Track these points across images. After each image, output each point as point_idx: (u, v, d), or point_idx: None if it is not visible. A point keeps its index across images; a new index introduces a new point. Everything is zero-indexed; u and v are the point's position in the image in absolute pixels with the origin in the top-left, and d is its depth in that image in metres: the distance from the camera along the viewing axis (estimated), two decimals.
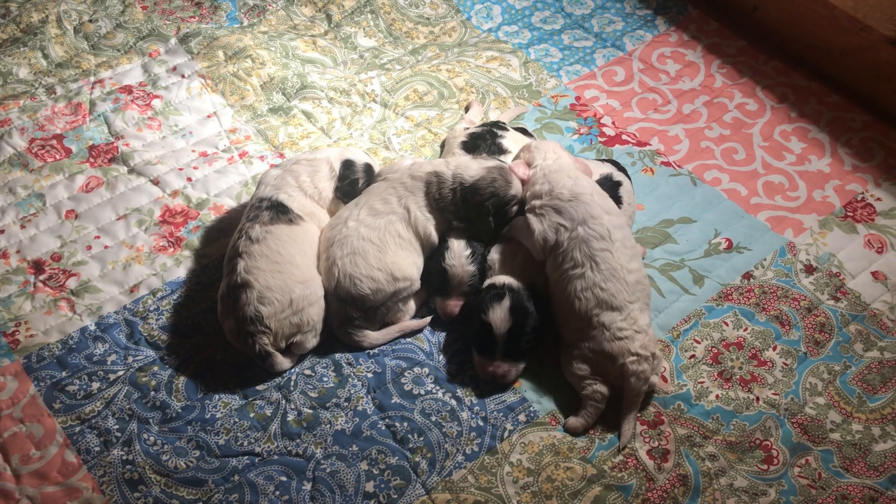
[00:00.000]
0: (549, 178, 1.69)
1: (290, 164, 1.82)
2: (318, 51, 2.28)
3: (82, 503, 1.48)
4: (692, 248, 1.87)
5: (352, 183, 1.80)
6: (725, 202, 1.96)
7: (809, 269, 1.83)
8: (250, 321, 1.60)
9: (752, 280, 1.81)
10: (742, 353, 1.69)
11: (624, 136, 2.10)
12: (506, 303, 1.61)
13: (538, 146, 1.77)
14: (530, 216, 1.67)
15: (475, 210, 1.70)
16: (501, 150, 1.87)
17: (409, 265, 1.70)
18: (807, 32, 2.25)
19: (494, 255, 1.75)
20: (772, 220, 1.92)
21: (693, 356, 1.69)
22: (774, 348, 1.70)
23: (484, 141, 1.88)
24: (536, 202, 1.68)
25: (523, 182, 1.73)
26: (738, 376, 1.66)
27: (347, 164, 1.81)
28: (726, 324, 1.74)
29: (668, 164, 2.03)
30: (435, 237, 1.73)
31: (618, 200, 1.80)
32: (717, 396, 1.63)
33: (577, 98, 2.19)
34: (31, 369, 1.65)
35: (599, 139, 2.09)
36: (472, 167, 1.71)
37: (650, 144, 2.08)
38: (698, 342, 1.71)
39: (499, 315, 1.59)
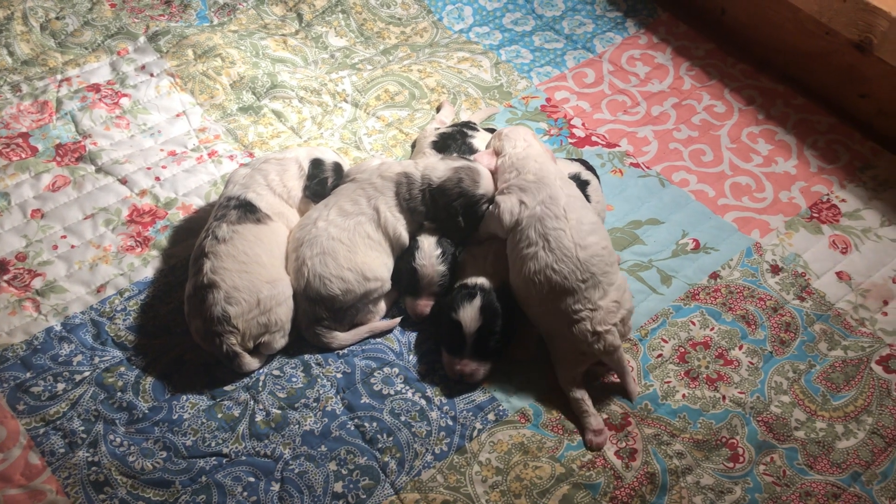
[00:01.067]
0: (516, 166, 1.71)
1: (259, 164, 1.81)
2: (288, 50, 2.27)
3: None
4: (660, 248, 1.88)
5: (321, 182, 1.80)
6: (693, 203, 1.97)
7: (775, 270, 1.85)
8: (217, 321, 1.59)
9: (718, 280, 1.83)
10: (709, 353, 1.71)
11: (594, 138, 2.11)
12: (476, 302, 1.61)
13: (509, 134, 1.78)
14: (498, 196, 1.70)
15: (444, 210, 1.70)
16: (472, 150, 1.87)
17: (380, 266, 1.70)
18: (773, 36, 2.28)
19: (465, 255, 1.75)
20: (739, 220, 1.94)
21: (660, 355, 1.70)
22: (741, 347, 1.72)
23: (454, 141, 1.88)
24: (504, 185, 1.70)
25: (492, 172, 1.74)
26: (704, 375, 1.68)
27: (316, 164, 1.81)
28: (693, 323, 1.76)
29: (636, 165, 2.05)
30: (405, 237, 1.73)
31: (586, 199, 1.81)
32: (683, 395, 1.65)
33: (548, 99, 2.20)
34: None
35: (570, 140, 2.10)
36: (440, 168, 1.71)
37: (619, 146, 2.09)
38: (665, 342, 1.72)
39: (469, 314, 1.60)
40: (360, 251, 1.68)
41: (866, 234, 1.92)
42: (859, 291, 1.82)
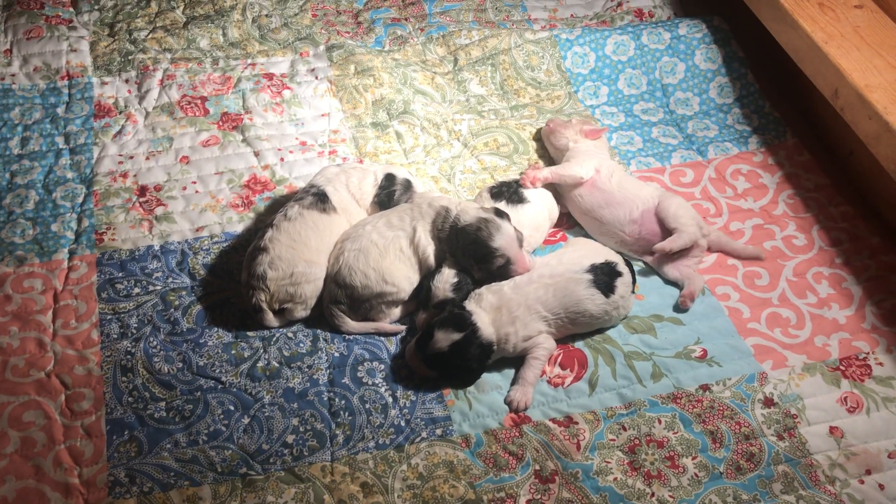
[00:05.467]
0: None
1: (347, 167, 2.15)
2: (433, 86, 2.59)
3: (85, 369, 1.88)
4: (667, 346, 1.96)
5: (389, 194, 2.10)
6: (723, 318, 2.02)
7: (768, 402, 1.86)
8: (257, 278, 1.93)
9: (707, 392, 1.88)
10: (660, 452, 1.78)
11: None
12: (454, 336, 1.82)
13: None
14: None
15: (460, 250, 1.93)
16: (521, 200, 2.10)
17: (401, 277, 1.96)
18: (891, 188, 2.23)
19: (490, 296, 1.94)
20: (758, 347, 1.96)
21: (613, 440, 1.80)
22: (694, 458, 1.77)
23: (508, 189, 2.11)
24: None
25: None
26: (645, 469, 1.75)
27: (389, 178, 2.12)
28: (660, 421, 1.83)
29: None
30: (432, 260, 1.97)
31: (612, 289, 1.94)
32: (615, 479, 1.73)
33: None
34: (101, 263, 2.09)
35: None
36: (470, 213, 1.94)
37: None
38: (625, 429, 1.81)
39: (442, 339, 1.81)
40: (389, 259, 1.95)
41: (886, 403, 1.87)
42: (846, 452, 1.78)
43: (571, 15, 2.85)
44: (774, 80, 2.64)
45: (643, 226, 2.09)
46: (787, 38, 2.35)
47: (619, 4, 2.84)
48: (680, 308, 2.02)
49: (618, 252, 2.07)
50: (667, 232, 2.06)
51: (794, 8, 2.31)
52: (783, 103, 2.58)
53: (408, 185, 2.12)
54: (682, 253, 2.07)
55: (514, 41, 2.64)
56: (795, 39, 2.30)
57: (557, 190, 2.22)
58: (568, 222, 2.24)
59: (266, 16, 2.77)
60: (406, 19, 2.80)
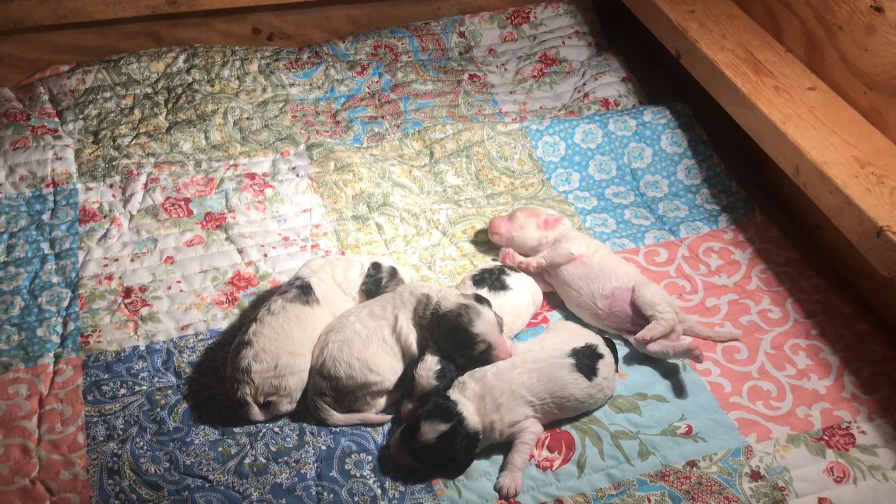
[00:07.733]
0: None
1: (333, 259, 2.20)
2: (410, 179, 2.67)
3: (71, 474, 1.86)
4: (652, 424, 1.97)
5: (375, 282, 2.14)
6: (705, 393, 2.04)
7: (755, 476, 1.87)
8: (241, 371, 1.95)
9: (694, 469, 1.88)
10: None
11: None
12: (442, 427, 1.83)
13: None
14: None
15: (442, 337, 1.96)
16: (503, 287, 2.14)
17: (385, 366, 1.98)
18: (858, 259, 2.30)
19: (473, 384, 1.96)
20: (742, 420, 1.98)
21: None
22: None
23: (490, 276, 2.16)
24: None
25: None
26: None
27: (375, 266, 2.17)
28: (649, 500, 1.83)
29: None
30: (414, 348, 2.00)
31: (595, 372, 1.96)
32: None
33: None
34: (86, 366, 2.10)
35: None
36: (451, 300, 1.98)
37: None
38: None
39: (429, 431, 1.82)
40: (373, 349, 1.98)
41: (872, 472, 1.88)
42: None
43: (540, 107, 2.97)
44: (739, 160, 2.75)
45: (614, 301, 2.14)
46: (747, 120, 2.45)
47: (586, 95, 2.96)
48: (698, 361, 2.03)
49: (600, 330, 2.11)
50: (640, 314, 2.11)
51: (752, 92, 2.42)
52: (749, 182, 2.68)
53: (393, 273, 2.17)
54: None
55: (486, 133, 2.74)
56: (755, 121, 2.40)
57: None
58: (549, 304, 2.28)
59: (247, 118, 2.86)
60: (382, 117, 2.90)
